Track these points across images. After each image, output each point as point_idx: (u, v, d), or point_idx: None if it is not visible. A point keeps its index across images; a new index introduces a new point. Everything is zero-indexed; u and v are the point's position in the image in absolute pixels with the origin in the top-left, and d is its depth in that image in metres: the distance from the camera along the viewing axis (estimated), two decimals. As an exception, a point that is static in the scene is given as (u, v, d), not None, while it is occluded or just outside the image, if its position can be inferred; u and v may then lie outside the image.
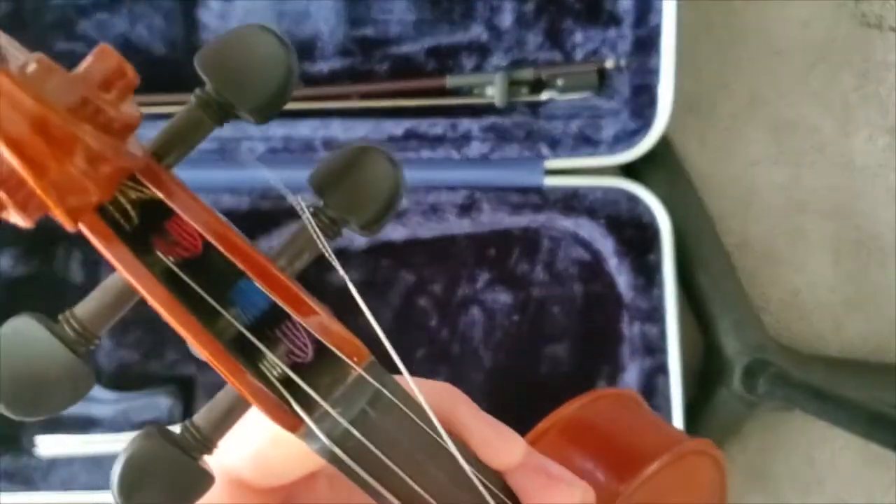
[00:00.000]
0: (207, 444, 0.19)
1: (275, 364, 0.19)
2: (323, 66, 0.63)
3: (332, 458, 0.19)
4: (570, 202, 0.64)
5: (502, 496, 0.22)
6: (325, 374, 0.19)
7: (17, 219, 0.17)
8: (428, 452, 0.21)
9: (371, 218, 0.20)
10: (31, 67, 0.16)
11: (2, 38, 0.16)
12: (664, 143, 0.66)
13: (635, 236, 0.63)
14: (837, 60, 0.71)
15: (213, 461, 0.19)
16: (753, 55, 0.71)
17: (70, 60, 0.18)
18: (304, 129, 0.62)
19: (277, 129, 0.62)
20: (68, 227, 0.18)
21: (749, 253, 0.71)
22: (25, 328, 0.17)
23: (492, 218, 0.64)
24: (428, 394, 0.21)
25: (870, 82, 0.71)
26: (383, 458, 0.20)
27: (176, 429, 0.19)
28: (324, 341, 0.19)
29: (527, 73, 0.62)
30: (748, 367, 0.65)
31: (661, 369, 0.63)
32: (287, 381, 0.19)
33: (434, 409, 0.21)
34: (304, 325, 0.19)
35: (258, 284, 0.19)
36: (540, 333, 0.65)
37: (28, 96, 0.15)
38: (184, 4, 0.62)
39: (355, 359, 0.19)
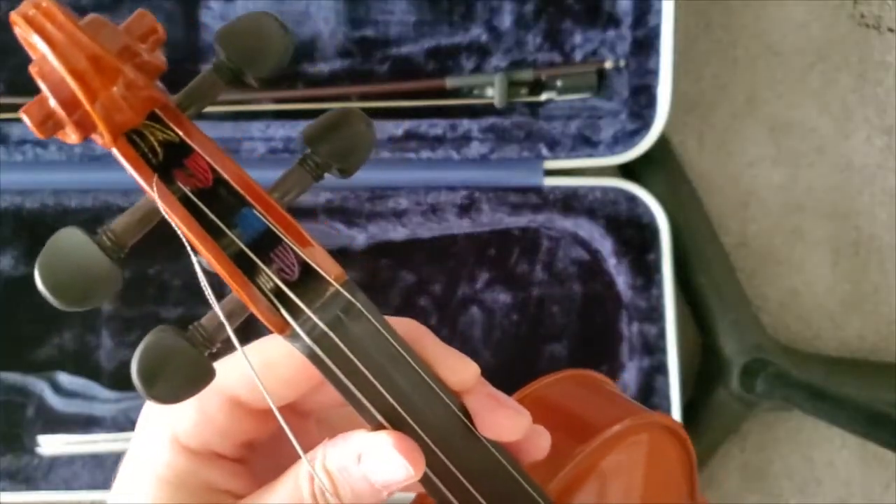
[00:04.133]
0: (211, 340, 0.23)
1: (269, 278, 0.23)
2: (323, 67, 0.63)
3: (312, 356, 0.23)
4: (570, 202, 0.64)
5: (456, 408, 0.25)
6: (309, 288, 0.23)
7: (71, 135, 0.22)
8: (392, 360, 0.24)
9: (350, 165, 0.24)
10: (89, 19, 0.22)
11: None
12: (663, 144, 0.66)
13: (634, 236, 0.63)
14: (835, 61, 0.71)
15: (215, 383, 0.23)
16: (752, 56, 0.71)
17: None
18: (305, 130, 0.62)
19: (278, 130, 0.62)
20: (108, 142, 0.22)
21: (747, 253, 0.71)
22: (72, 236, 0.22)
23: (491, 218, 0.64)
24: (396, 322, 0.25)
25: (868, 83, 0.71)
26: (354, 359, 0.23)
27: None
28: (306, 259, 0.23)
29: (526, 74, 0.62)
30: (747, 366, 0.65)
31: (660, 369, 0.63)
32: (277, 294, 0.23)
33: (400, 331, 0.24)
34: (292, 245, 0.23)
35: (257, 212, 0.23)
36: (539, 332, 0.65)
37: (87, 38, 0.21)
38: (184, 6, 0.62)
39: (333, 276, 0.23)
